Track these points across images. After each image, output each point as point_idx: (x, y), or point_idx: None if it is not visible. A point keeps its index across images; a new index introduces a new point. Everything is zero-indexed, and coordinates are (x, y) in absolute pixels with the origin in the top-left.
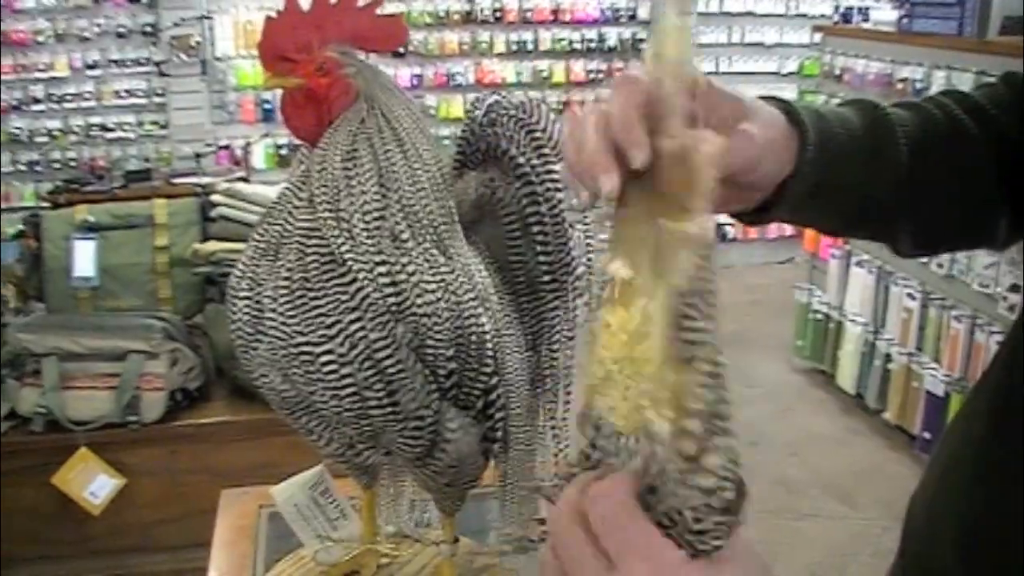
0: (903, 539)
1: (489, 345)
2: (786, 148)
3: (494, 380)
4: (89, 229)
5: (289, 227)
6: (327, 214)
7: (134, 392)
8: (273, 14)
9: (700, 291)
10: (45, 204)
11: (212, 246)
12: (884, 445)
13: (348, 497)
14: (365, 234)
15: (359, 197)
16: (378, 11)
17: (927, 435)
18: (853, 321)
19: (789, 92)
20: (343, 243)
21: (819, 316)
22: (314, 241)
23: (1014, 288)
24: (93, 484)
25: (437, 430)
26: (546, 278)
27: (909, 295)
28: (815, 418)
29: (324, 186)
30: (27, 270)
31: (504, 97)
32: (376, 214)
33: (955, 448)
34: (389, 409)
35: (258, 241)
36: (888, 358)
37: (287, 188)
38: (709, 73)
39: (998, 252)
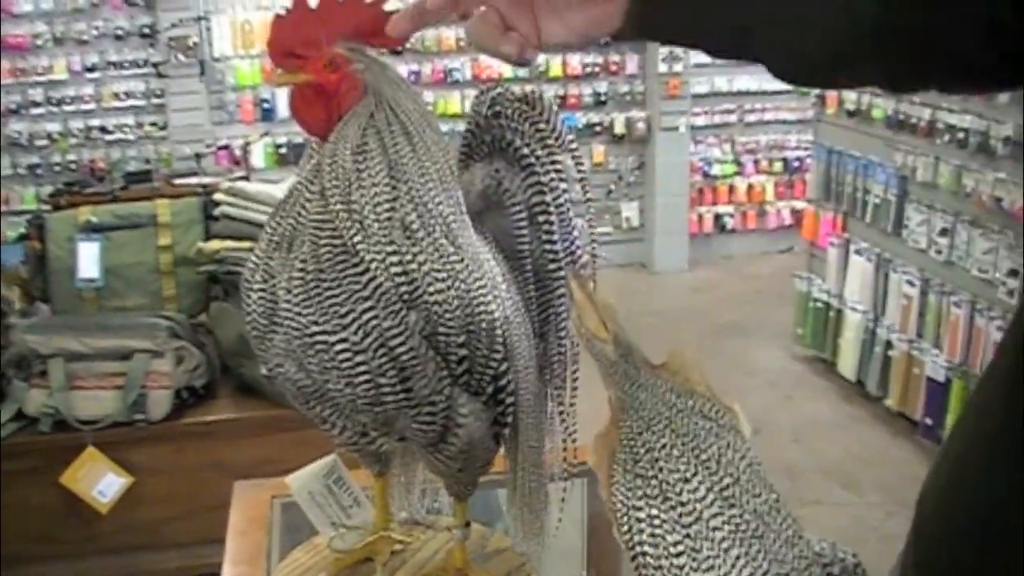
0: (914, 531)
1: (499, 332)
2: None
3: (504, 366)
4: (92, 230)
5: (302, 220)
6: (339, 206)
7: (140, 391)
8: (282, 11)
9: None
10: (46, 207)
11: (215, 244)
12: (886, 431)
13: (361, 486)
14: (376, 225)
15: (370, 189)
16: (384, 7)
17: (929, 421)
18: (853, 309)
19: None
20: (355, 234)
21: (819, 304)
22: (327, 233)
23: (1013, 273)
24: (101, 483)
25: (449, 415)
26: (552, 267)
27: (908, 282)
28: (817, 405)
29: (335, 179)
30: (31, 272)
31: (508, 89)
32: (387, 205)
33: (967, 440)
34: (402, 396)
35: (271, 234)
36: (888, 345)
37: (299, 182)
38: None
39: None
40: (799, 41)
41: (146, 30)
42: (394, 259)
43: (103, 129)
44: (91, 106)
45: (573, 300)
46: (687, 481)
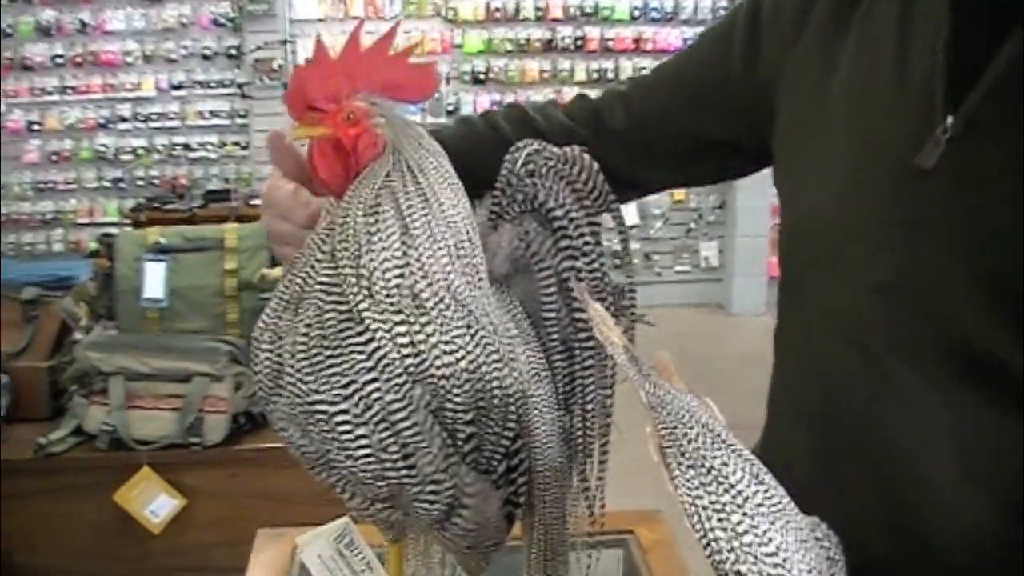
0: None
1: (512, 408)
2: None
3: (517, 444)
4: (160, 251)
5: (310, 280)
6: (348, 270)
7: (197, 414)
8: (302, 64)
9: None
10: (127, 220)
11: (279, 271)
12: None
13: (374, 546)
14: (385, 292)
15: (380, 254)
16: (409, 60)
17: None
18: None
19: None
20: (362, 300)
21: None
22: (333, 297)
23: None
24: (154, 503)
25: (455, 495)
26: (581, 335)
27: None
28: None
29: (346, 241)
30: (99, 289)
31: (543, 146)
32: (397, 272)
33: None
34: (404, 472)
35: (282, 293)
36: None
37: (311, 240)
38: None
39: None
40: None
41: (232, 51)
42: (401, 329)
43: (187, 146)
44: (176, 123)
45: (588, 312)
46: (727, 465)
